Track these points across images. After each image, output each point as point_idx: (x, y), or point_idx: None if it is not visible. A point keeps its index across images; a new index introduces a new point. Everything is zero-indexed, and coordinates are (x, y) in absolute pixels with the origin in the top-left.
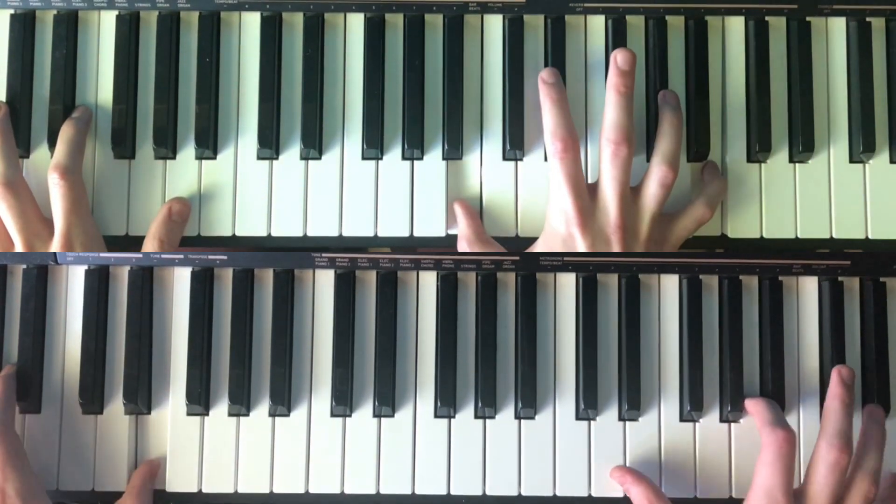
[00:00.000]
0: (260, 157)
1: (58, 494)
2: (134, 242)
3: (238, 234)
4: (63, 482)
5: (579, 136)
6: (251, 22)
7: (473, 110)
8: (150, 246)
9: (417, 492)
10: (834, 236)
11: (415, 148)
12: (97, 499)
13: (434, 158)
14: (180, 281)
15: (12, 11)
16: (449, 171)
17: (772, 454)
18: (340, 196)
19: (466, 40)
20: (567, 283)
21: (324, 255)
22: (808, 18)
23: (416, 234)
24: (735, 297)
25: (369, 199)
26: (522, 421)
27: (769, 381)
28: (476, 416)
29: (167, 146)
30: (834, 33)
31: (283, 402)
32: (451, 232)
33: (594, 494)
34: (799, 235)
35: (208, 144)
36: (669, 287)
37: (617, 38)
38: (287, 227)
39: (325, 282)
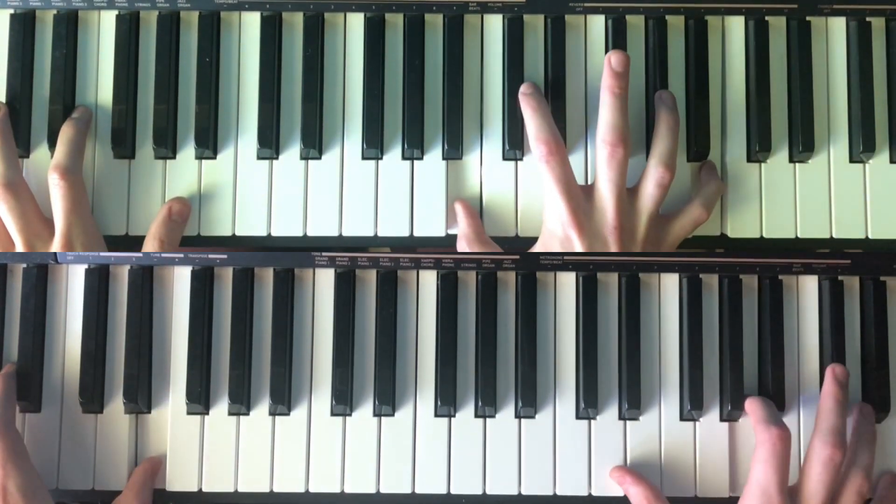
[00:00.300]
0: (260, 157)
1: (58, 493)
2: (134, 242)
3: (238, 233)
4: (63, 481)
5: (579, 137)
6: (251, 22)
7: (473, 110)
8: (150, 246)
9: (417, 491)
10: (834, 236)
11: (415, 148)
12: (97, 498)
13: (434, 158)
14: (180, 280)
15: (12, 11)
16: (449, 170)
17: (766, 451)
18: (340, 196)
19: (466, 40)
20: (567, 283)
21: (324, 254)
22: (808, 18)
23: (416, 233)
24: (735, 297)
25: (369, 199)
26: (522, 420)
27: (769, 381)
28: (476, 416)
29: (167, 146)
30: (834, 33)
31: (283, 402)
32: (451, 232)
33: (594, 494)
34: (799, 235)
35: (208, 144)
36: (670, 286)
37: (617, 38)
38: (287, 226)
39: (325, 281)
